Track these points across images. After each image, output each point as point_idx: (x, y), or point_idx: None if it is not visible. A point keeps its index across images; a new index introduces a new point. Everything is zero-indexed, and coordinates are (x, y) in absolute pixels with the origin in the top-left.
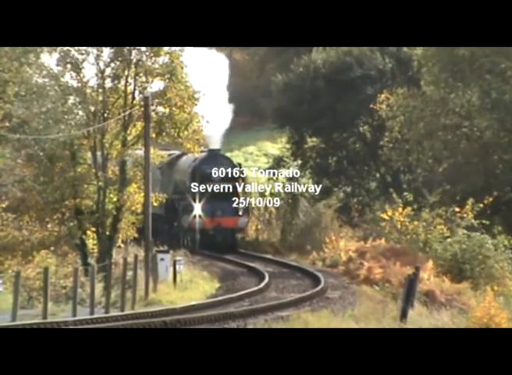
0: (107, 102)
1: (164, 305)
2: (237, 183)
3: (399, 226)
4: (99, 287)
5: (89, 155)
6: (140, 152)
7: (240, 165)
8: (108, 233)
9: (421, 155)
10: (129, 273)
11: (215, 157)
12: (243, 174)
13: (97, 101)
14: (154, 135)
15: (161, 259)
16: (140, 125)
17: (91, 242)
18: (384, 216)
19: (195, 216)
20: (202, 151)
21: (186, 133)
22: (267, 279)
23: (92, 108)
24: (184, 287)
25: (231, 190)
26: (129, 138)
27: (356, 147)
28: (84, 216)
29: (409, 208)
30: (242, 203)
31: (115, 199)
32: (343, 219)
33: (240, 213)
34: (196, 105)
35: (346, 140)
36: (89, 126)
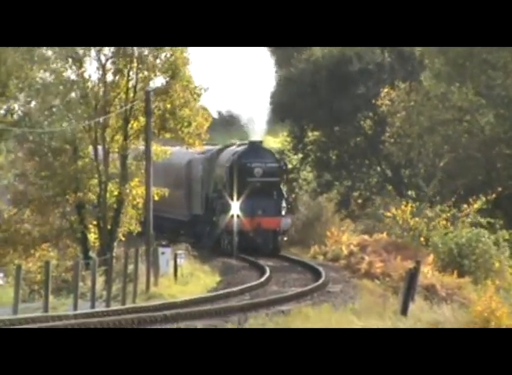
0: (108, 97)
1: (165, 299)
2: (280, 180)
3: (401, 222)
4: (100, 280)
5: (90, 149)
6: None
7: (283, 159)
8: (109, 226)
9: (422, 149)
10: (131, 267)
11: (255, 150)
12: (286, 169)
13: (99, 95)
14: (156, 130)
15: (162, 253)
16: (142, 119)
17: (93, 236)
18: (388, 213)
19: (232, 216)
20: (242, 144)
21: (188, 128)
22: (268, 273)
23: (93, 103)
24: (185, 281)
25: (273, 187)
26: (130, 132)
27: (357, 141)
28: (86, 209)
29: (410, 206)
30: (285, 201)
31: (116, 193)
32: (344, 213)
33: (283, 213)
34: (198, 101)
35: (347, 134)
36: (90, 121)
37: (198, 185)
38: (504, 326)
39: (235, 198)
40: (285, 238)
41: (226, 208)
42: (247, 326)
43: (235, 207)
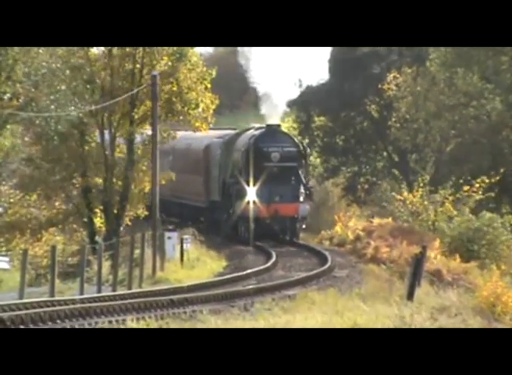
0: (115, 81)
1: (171, 284)
2: (298, 164)
3: (410, 206)
4: (106, 265)
5: (97, 133)
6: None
7: (301, 143)
8: (115, 211)
9: (428, 134)
10: (137, 252)
11: (273, 134)
12: (305, 154)
13: (105, 80)
14: (163, 114)
15: (169, 238)
16: (148, 103)
17: (99, 220)
18: (399, 196)
19: (249, 202)
20: (260, 128)
21: (195, 111)
22: (274, 258)
23: (100, 87)
24: (191, 266)
25: (291, 172)
26: (136, 117)
27: (363, 126)
28: (92, 194)
29: (421, 191)
30: (303, 187)
31: (122, 177)
32: (351, 198)
33: (302, 199)
34: (205, 85)
35: (353, 119)
36: (97, 105)
37: (216, 170)
38: (511, 311)
39: (251, 183)
40: (303, 226)
41: (242, 194)
42: (253, 310)
43: (251, 193)
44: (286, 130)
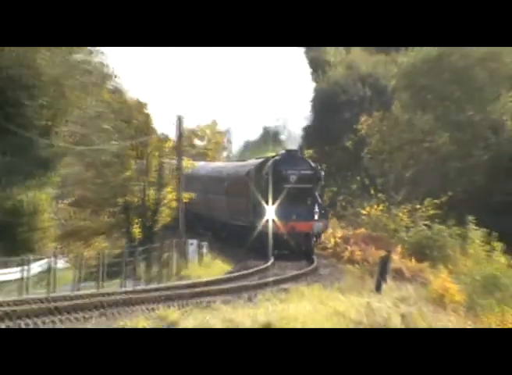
0: (148, 121)
1: (192, 279)
2: (314, 186)
3: (374, 219)
4: (142, 265)
5: (133, 162)
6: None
7: (317, 166)
8: (149, 223)
9: (392, 163)
10: (166, 255)
11: (291, 158)
12: (320, 176)
13: (140, 121)
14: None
15: (191, 244)
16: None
17: (137, 230)
18: (364, 211)
19: (268, 220)
20: (277, 155)
21: (211, 145)
22: (272, 260)
23: (135, 125)
24: (207, 266)
25: (307, 192)
26: (166, 150)
27: (341, 157)
28: (131, 210)
29: (381, 205)
30: (318, 207)
31: (154, 197)
32: (331, 213)
33: (316, 217)
34: (221, 135)
35: (334, 151)
36: (133, 140)
37: (251, 193)
38: (455, 300)
39: (270, 203)
40: (317, 241)
41: (263, 212)
42: (256, 300)
43: (270, 212)
44: (302, 155)
